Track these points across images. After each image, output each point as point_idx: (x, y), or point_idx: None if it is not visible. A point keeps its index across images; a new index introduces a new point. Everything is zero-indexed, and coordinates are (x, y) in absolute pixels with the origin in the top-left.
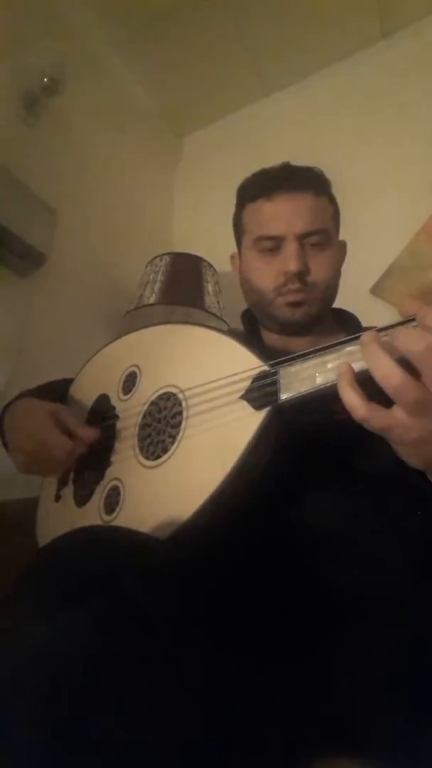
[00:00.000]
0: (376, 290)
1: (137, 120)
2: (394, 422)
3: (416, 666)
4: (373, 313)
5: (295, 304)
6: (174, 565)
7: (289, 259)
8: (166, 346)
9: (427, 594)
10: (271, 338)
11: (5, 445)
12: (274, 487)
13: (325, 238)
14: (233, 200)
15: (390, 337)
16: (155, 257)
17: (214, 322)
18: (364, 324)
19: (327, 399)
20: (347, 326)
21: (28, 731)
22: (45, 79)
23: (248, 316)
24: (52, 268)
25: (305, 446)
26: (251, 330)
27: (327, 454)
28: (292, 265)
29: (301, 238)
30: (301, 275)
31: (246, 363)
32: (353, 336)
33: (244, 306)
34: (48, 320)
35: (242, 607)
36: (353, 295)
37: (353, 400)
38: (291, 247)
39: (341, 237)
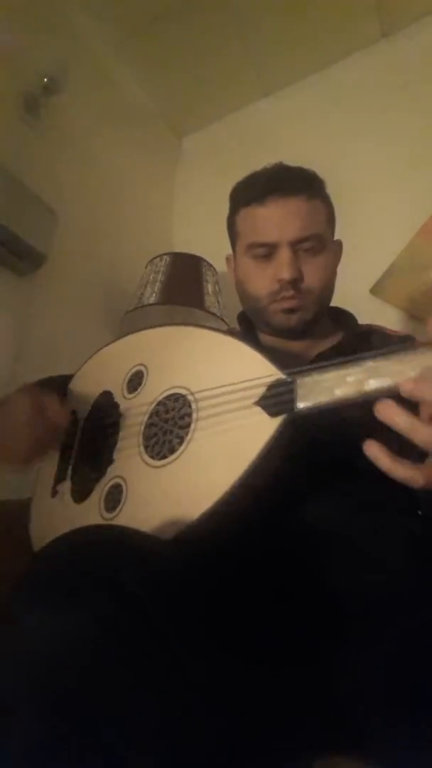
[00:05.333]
0: (376, 290)
1: (137, 120)
2: None
3: (417, 666)
4: (373, 313)
5: (290, 311)
6: (177, 566)
7: (282, 267)
8: (176, 348)
9: (427, 594)
10: (267, 340)
11: None
12: (278, 487)
13: (318, 243)
14: None
15: (414, 390)
16: (155, 257)
17: (214, 322)
18: (360, 322)
19: (343, 411)
20: (344, 325)
21: (30, 732)
22: (45, 79)
23: (244, 318)
24: (52, 268)
25: (307, 446)
26: (248, 331)
27: (328, 453)
28: (285, 273)
29: (294, 245)
30: (295, 282)
31: (261, 370)
32: (376, 352)
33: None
34: (48, 320)
35: (244, 607)
36: (353, 295)
37: (408, 474)
38: (284, 255)
39: (341, 237)
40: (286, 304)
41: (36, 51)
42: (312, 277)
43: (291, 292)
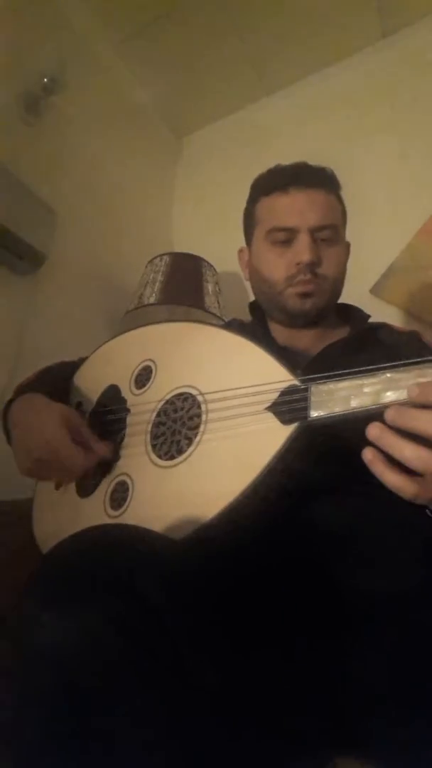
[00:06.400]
0: (376, 290)
1: (137, 120)
2: None
3: (420, 667)
4: (373, 313)
5: (306, 295)
6: (188, 567)
7: (303, 251)
8: (187, 345)
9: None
10: (277, 330)
11: (8, 440)
12: (288, 488)
13: (335, 233)
14: (233, 200)
15: (405, 418)
16: (155, 257)
17: (214, 322)
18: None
19: (357, 422)
20: (352, 320)
21: (42, 732)
22: (45, 79)
23: (256, 307)
24: (52, 268)
25: (318, 445)
26: (259, 321)
27: (338, 453)
28: (305, 256)
29: (314, 231)
30: (313, 266)
31: (275, 374)
32: (394, 363)
33: (243, 306)
34: (48, 320)
35: (255, 608)
36: (353, 295)
37: (398, 482)
38: (304, 239)
39: None
40: (302, 288)
41: (36, 51)
42: (328, 265)
43: (308, 276)
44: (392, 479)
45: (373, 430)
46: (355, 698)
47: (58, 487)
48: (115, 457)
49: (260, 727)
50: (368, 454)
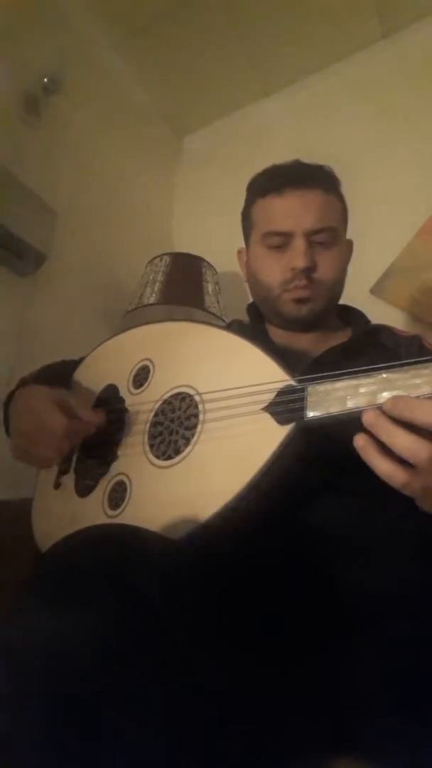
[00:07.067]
0: (376, 290)
1: (137, 120)
2: (428, 483)
3: (419, 667)
4: (373, 313)
5: (301, 301)
6: (187, 566)
7: (297, 256)
8: (184, 345)
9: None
10: (275, 333)
11: (7, 432)
12: (287, 488)
13: (332, 236)
14: (233, 200)
15: (401, 407)
16: (155, 257)
17: (214, 322)
18: (371, 320)
19: (354, 422)
20: (353, 323)
21: (41, 732)
22: (45, 79)
23: (254, 309)
24: (52, 268)
25: (316, 445)
26: (257, 323)
27: (337, 453)
28: (300, 262)
29: (309, 235)
30: (308, 272)
31: (271, 375)
32: (391, 364)
33: (243, 306)
34: (48, 320)
35: (254, 608)
36: (353, 295)
37: (388, 469)
38: (299, 244)
39: None
40: (298, 294)
41: (36, 51)
42: (325, 269)
43: (303, 282)
44: (383, 466)
45: (369, 416)
46: (355, 698)
47: (56, 486)
48: (114, 457)
49: (259, 726)
50: (360, 441)
